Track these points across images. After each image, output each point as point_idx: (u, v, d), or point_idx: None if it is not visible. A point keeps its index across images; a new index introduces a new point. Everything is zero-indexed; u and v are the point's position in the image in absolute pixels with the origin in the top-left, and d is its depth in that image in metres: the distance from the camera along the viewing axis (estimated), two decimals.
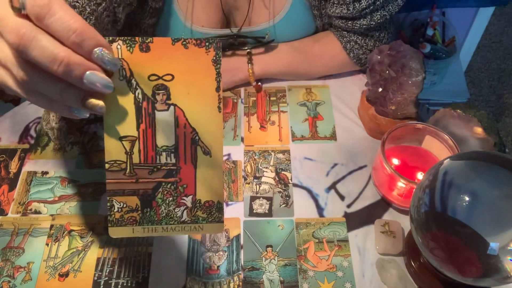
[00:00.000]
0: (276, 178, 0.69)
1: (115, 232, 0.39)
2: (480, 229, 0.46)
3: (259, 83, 0.79)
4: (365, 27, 0.72)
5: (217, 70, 0.37)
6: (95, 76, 0.33)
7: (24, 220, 0.65)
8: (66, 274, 0.60)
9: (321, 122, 0.76)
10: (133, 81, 0.36)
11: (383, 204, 0.67)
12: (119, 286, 0.59)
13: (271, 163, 0.71)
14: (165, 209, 0.39)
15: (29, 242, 0.63)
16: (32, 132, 0.74)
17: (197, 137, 0.38)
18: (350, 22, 0.72)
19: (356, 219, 0.65)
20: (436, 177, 0.51)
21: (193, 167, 0.39)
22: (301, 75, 0.81)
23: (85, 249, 0.62)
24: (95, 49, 0.33)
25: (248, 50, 0.76)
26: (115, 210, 0.39)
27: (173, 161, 0.38)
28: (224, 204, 0.66)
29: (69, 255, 0.62)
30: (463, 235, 0.47)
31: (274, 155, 0.72)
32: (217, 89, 0.37)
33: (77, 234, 0.63)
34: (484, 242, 0.46)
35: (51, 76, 0.33)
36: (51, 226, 0.64)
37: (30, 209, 0.66)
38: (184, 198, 0.39)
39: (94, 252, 0.62)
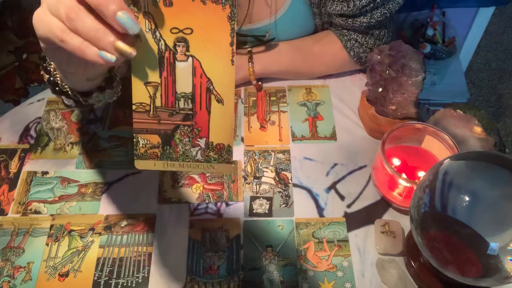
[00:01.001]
0: (276, 178, 0.69)
1: (140, 164, 0.45)
2: (480, 229, 0.46)
3: (259, 82, 0.79)
4: (365, 25, 0.72)
5: (232, 26, 0.39)
6: (128, 17, 0.37)
7: (24, 220, 0.65)
8: (66, 274, 0.60)
9: (321, 122, 0.76)
10: (157, 33, 0.40)
11: (383, 204, 0.67)
12: (119, 286, 0.59)
13: (271, 163, 0.71)
14: (182, 148, 0.44)
15: (29, 242, 0.63)
16: (32, 132, 0.74)
17: (211, 86, 0.42)
18: (350, 19, 0.73)
19: (356, 219, 0.65)
20: (436, 177, 0.51)
21: (207, 113, 0.43)
22: (301, 74, 0.81)
23: (85, 249, 0.62)
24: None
25: (249, 48, 0.76)
26: (140, 146, 0.44)
27: (190, 106, 0.42)
28: (224, 204, 0.66)
29: (69, 255, 0.62)
30: (463, 235, 0.47)
31: (274, 155, 0.72)
32: (231, 43, 0.40)
33: (77, 234, 0.63)
34: (484, 242, 0.46)
35: (93, 15, 0.38)
36: (51, 226, 0.64)
37: (30, 209, 0.66)
38: (199, 139, 0.44)
39: (94, 252, 0.62)
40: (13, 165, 0.70)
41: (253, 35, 0.76)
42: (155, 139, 0.43)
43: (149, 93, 0.42)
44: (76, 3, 0.38)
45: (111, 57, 0.38)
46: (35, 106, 0.78)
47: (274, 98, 0.79)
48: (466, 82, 1.47)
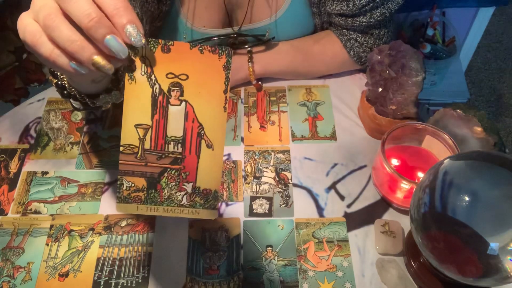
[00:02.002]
0: (276, 178, 0.69)
1: (122, 208, 0.43)
2: (480, 229, 0.46)
3: (259, 82, 0.79)
4: (365, 24, 0.72)
5: (227, 75, 0.41)
6: (117, 41, 0.36)
7: (24, 220, 0.65)
8: (66, 274, 0.60)
9: (321, 122, 0.76)
10: (152, 77, 0.41)
11: (383, 204, 0.67)
12: (119, 286, 0.59)
13: (271, 163, 0.71)
14: (167, 192, 0.43)
15: (29, 242, 0.63)
16: (32, 132, 0.74)
17: (202, 132, 0.42)
18: (349, 19, 0.73)
19: (356, 219, 0.65)
20: (436, 177, 0.51)
21: (197, 158, 0.43)
22: (301, 74, 0.81)
23: (85, 249, 0.62)
24: (127, 26, 0.37)
25: (249, 48, 0.76)
26: (123, 188, 0.43)
27: (180, 150, 0.43)
28: (224, 204, 0.66)
29: (69, 255, 0.62)
30: (463, 235, 0.47)
31: (274, 155, 0.72)
32: (225, 91, 0.41)
33: (77, 234, 0.63)
34: (484, 242, 0.46)
35: (74, 26, 0.36)
36: (51, 226, 0.64)
37: (30, 209, 0.66)
38: (186, 184, 0.43)
39: (94, 252, 0.62)
40: (13, 165, 0.70)
41: (253, 34, 0.76)
42: (140, 182, 0.43)
43: (139, 135, 0.42)
44: (55, 11, 0.36)
45: (82, 69, 0.38)
46: (35, 106, 0.78)
47: (274, 98, 0.79)
48: (466, 82, 1.48)
